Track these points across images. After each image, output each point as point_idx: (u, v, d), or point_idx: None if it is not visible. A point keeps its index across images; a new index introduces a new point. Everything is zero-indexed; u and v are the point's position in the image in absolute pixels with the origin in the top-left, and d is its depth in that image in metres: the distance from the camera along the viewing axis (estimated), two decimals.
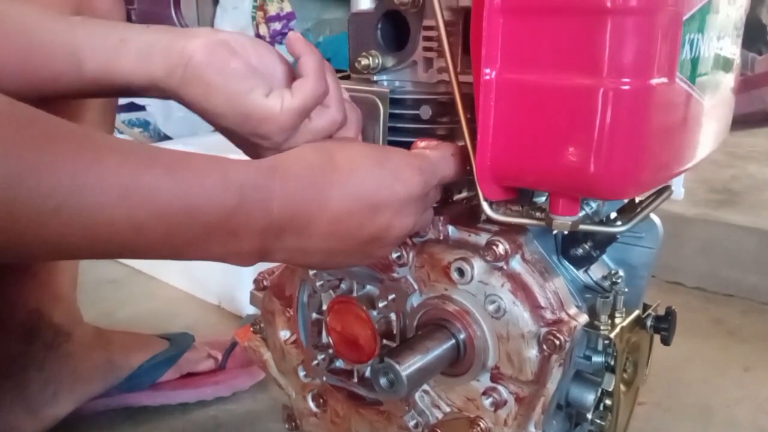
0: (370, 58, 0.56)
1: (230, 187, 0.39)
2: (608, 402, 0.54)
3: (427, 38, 0.54)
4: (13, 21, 0.46)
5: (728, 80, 0.56)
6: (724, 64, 0.54)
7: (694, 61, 0.46)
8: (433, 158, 0.49)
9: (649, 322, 0.59)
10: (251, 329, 0.70)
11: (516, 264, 0.51)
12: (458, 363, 0.53)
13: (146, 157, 0.36)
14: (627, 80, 0.40)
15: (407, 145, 0.53)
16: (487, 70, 0.44)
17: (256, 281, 0.68)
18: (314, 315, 0.62)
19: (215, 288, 1.13)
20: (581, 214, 0.48)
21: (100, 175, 0.34)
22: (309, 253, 0.45)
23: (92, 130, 0.37)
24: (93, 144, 0.35)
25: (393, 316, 0.56)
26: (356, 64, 0.56)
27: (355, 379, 0.60)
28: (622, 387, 0.57)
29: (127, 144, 0.37)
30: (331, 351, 0.61)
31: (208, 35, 0.47)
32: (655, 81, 0.41)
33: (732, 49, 0.55)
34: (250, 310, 0.72)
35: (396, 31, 0.56)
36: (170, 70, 0.46)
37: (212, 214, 0.38)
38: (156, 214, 0.36)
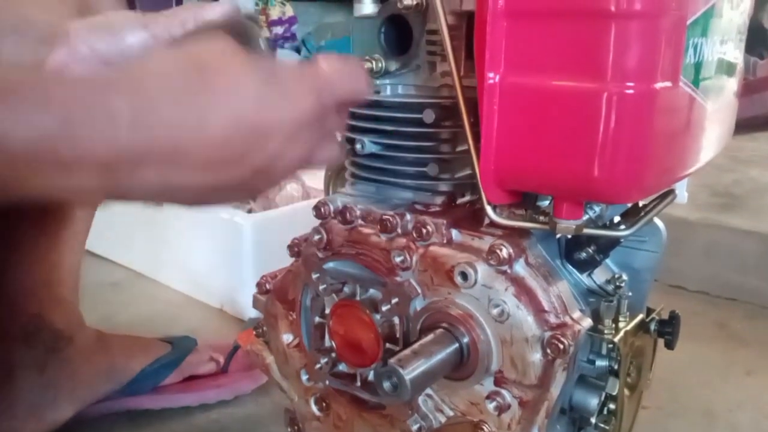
0: (373, 63, 0.56)
1: (51, 108, 0.32)
2: (612, 406, 0.54)
3: (430, 42, 0.54)
4: None
5: (731, 84, 0.56)
6: (728, 69, 0.54)
7: (698, 66, 0.46)
8: (330, 74, 0.42)
9: (652, 327, 0.59)
10: (254, 333, 0.70)
11: (520, 268, 0.51)
12: (462, 367, 0.53)
13: None
14: (631, 84, 0.40)
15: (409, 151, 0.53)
16: (491, 74, 0.44)
17: (258, 285, 0.68)
18: (317, 318, 0.62)
19: (217, 291, 1.14)
20: (585, 217, 0.48)
21: None
22: (179, 189, 0.38)
23: None
24: None
25: (396, 319, 0.56)
26: None
27: (358, 383, 0.60)
28: (626, 391, 0.57)
29: None
30: (334, 355, 0.61)
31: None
32: (659, 85, 0.41)
33: (735, 53, 0.55)
34: (252, 313, 0.72)
35: (399, 35, 0.56)
36: None
37: (27, 140, 0.32)
38: None
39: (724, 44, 0.51)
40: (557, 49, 0.41)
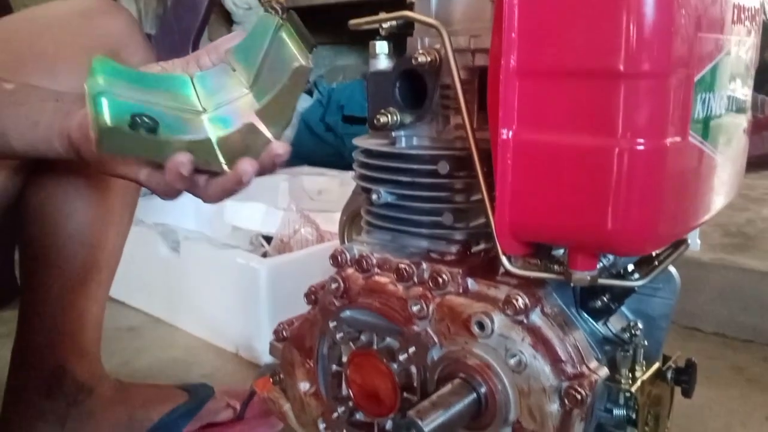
0: (389, 116, 0.58)
1: None
2: None
3: (444, 96, 0.56)
4: None
5: (741, 124, 0.56)
6: (737, 109, 0.54)
7: (707, 119, 0.47)
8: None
9: (669, 375, 0.59)
10: (270, 380, 0.70)
11: (536, 318, 0.51)
12: (480, 417, 0.53)
13: None
14: (641, 141, 0.41)
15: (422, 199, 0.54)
16: (504, 131, 0.45)
17: (275, 332, 0.68)
18: (334, 367, 0.62)
19: (233, 336, 1.14)
20: (599, 266, 0.49)
21: None
22: None
23: None
24: None
25: (414, 369, 0.56)
26: (375, 122, 0.58)
27: None
28: None
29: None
30: (351, 403, 0.61)
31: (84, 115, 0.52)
32: (668, 141, 0.42)
33: (744, 90, 0.56)
34: (268, 358, 0.72)
35: (413, 88, 0.58)
36: (65, 151, 0.55)
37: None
38: None
39: (733, 83, 0.52)
40: (569, 107, 0.43)
